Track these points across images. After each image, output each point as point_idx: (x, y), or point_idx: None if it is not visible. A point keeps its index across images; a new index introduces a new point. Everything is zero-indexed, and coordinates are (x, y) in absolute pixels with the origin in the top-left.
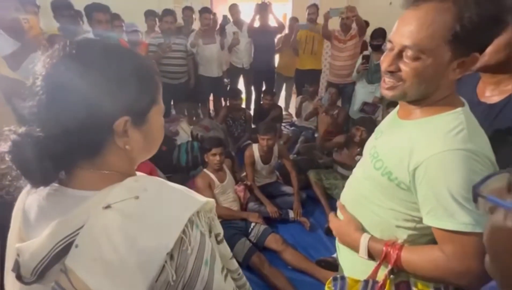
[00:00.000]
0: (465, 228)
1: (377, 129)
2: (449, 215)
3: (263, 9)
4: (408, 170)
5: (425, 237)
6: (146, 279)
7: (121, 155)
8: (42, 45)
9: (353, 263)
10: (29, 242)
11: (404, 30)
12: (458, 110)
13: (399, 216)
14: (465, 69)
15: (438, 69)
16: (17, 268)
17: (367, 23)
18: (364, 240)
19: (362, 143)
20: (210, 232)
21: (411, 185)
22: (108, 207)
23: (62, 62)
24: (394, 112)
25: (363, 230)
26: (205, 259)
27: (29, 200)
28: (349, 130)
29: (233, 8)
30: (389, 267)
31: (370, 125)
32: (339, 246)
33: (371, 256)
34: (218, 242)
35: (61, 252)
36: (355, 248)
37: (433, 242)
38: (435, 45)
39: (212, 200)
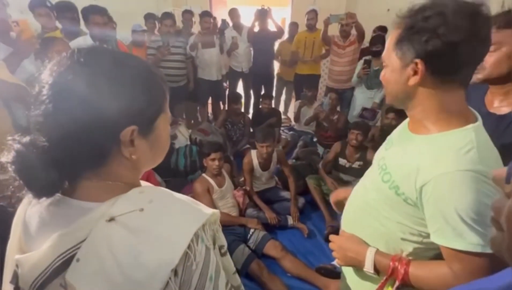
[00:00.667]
0: (474, 248)
1: (388, 139)
2: (457, 234)
3: (262, 15)
4: (415, 186)
5: (431, 251)
6: None
7: (127, 165)
8: (35, 49)
9: (358, 279)
10: (29, 254)
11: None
12: (469, 128)
13: (405, 229)
14: (418, 77)
15: (395, 75)
16: (15, 280)
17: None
18: (370, 253)
19: (360, 147)
20: (214, 244)
21: (418, 202)
22: (111, 219)
23: (70, 71)
24: (405, 123)
25: (366, 243)
26: (209, 275)
27: (31, 210)
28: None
29: (233, 12)
30: (397, 283)
31: (364, 127)
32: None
33: (376, 270)
34: (222, 255)
35: (61, 266)
36: (359, 262)
37: (439, 255)
38: (388, 53)
39: (217, 211)
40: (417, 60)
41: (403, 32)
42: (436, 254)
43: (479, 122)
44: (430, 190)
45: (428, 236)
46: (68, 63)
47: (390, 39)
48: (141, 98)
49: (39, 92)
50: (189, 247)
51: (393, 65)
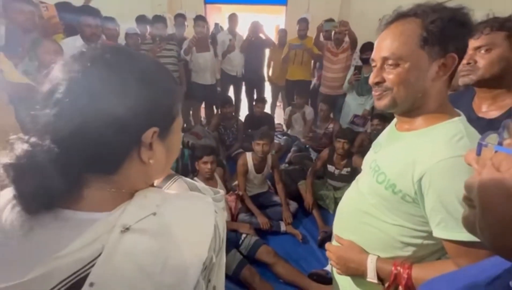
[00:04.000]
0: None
1: (375, 143)
2: (461, 225)
3: (255, 28)
4: (412, 181)
5: (432, 254)
6: None
7: (140, 172)
8: (59, 31)
9: (351, 285)
10: (11, 285)
11: (381, 46)
12: (456, 120)
13: (404, 231)
14: (447, 71)
15: (419, 72)
16: None
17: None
18: (371, 262)
19: (346, 155)
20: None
21: (417, 197)
22: (126, 229)
23: (92, 68)
24: (392, 125)
25: (366, 251)
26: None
27: (8, 218)
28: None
29: (233, 17)
30: (400, 289)
31: (350, 136)
32: (335, 270)
33: (380, 278)
34: None
35: None
36: (361, 272)
37: (439, 259)
38: (410, 50)
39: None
40: (453, 54)
41: (439, 24)
42: (436, 258)
43: (463, 116)
44: (428, 180)
45: (428, 236)
46: (90, 60)
47: (410, 34)
48: (163, 100)
49: (52, 90)
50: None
51: (419, 61)
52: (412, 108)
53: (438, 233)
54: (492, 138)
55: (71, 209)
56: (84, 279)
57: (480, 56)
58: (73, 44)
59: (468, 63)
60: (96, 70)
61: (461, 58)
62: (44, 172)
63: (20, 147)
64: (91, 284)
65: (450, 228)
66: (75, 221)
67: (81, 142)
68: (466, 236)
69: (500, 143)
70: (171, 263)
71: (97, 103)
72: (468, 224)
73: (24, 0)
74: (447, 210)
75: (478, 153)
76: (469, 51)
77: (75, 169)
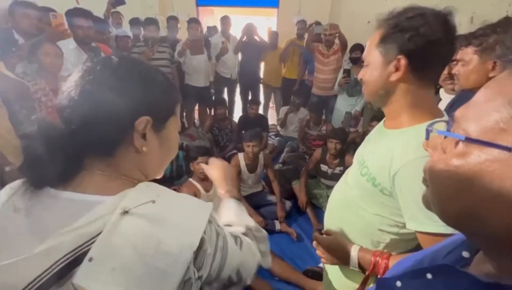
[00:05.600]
0: (446, 230)
1: (366, 138)
2: (429, 218)
3: (249, 30)
4: (389, 176)
5: (407, 242)
6: (173, 282)
7: (134, 159)
8: (65, 38)
9: (338, 273)
10: (16, 260)
11: None
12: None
13: (383, 221)
14: (400, 72)
15: (377, 72)
16: None
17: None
18: (354, 251)
19: (339, 154)
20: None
21: (393, 191)
22: (126, 212)
23: (99, 66)
24: (381, 122)
25: (349, 240)
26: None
27: (11, 204)
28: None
29: (225, 20)
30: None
31: (342, 136)
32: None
33: (362, 267)
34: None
35: (64, 269)
36: (345, 260)
37: (415, 248)
38: (370, 53)
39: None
40: (400, 57)
41: (387, 31)
42: (413, 245)
43: (445, 117)
44: (400, 178)
45: (403, 226)
46: (99, 63)
47: (372, 39)
48: (157, 93)
49: (69, 85)
50: (204, 231)
51: (376, 62)
52: (384, 104)
53: (410, 225)
54: (438, 125)
55: (75, 192)
56: (84, 254)
57: (458, 68)
58: (67, 46)
59: (450, 73)
60: (101, 68)
61: (415, 60)
62: (52, 146)
63: (38, 126)
64: (90, 259)
65: (419, 221)
66: (77, 202)
67: (84, 122)
68: (434, 228)
69: (448, 131)
70: (163, 248)
71: (98, 91)
72: (425, 201)
73: (31, 5)
74: (417, 205)
75: (426, 138)
76: (452, 62)
77: (77, 147)
